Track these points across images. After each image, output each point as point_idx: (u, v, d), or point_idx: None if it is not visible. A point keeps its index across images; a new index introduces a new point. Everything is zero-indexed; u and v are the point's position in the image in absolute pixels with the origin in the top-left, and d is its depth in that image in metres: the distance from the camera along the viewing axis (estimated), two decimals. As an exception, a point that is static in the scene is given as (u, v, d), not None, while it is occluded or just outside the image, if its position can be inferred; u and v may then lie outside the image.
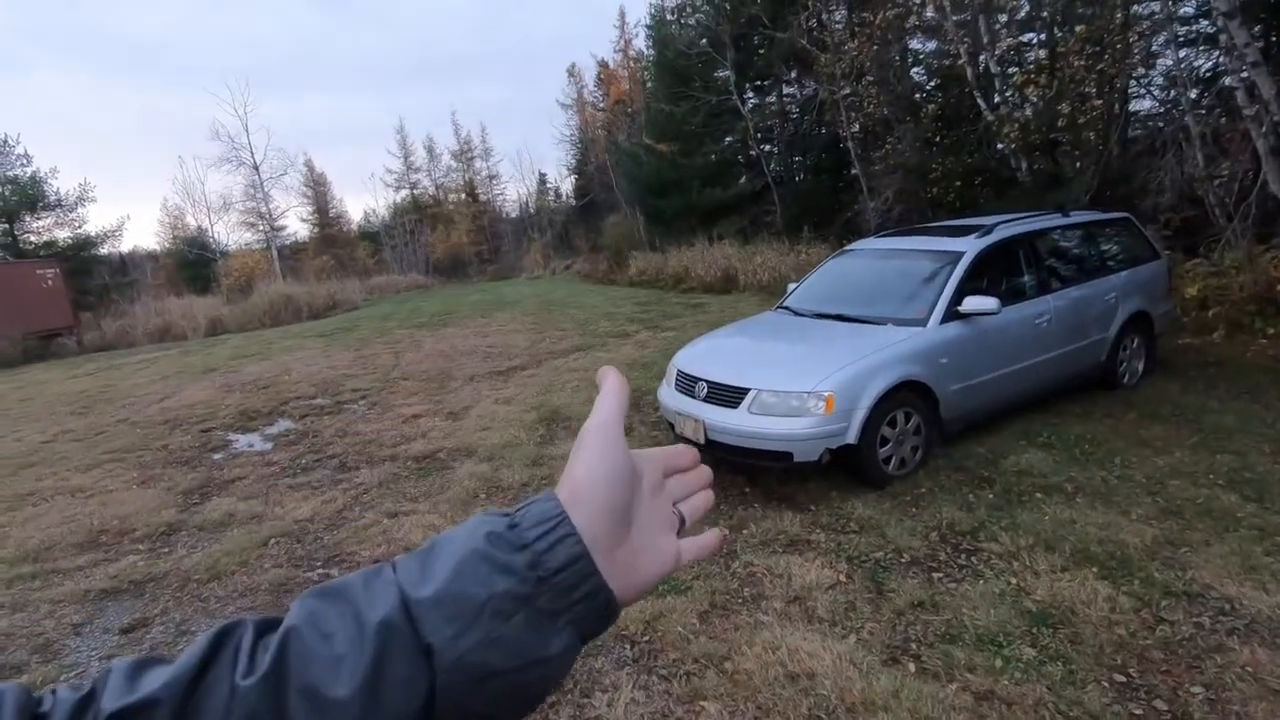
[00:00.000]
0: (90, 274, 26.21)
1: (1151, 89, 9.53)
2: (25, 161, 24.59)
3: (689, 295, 15.15)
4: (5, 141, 24.13)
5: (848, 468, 4.21)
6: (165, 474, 6.15)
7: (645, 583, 0.47)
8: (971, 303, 4.43)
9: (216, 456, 6.64)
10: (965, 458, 4.45)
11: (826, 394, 3.97)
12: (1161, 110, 9.45)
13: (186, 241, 38.75)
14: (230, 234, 39.77)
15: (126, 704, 0.37)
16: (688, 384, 4.59)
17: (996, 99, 10.21)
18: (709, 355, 4.85)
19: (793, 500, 4.16)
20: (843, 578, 3.24)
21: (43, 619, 3.65)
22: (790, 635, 2.79)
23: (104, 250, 27.80)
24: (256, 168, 33.32)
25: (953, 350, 4.40)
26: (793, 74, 18.68)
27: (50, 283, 20.44)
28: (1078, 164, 8.42)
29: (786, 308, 5.41)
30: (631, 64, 35.21)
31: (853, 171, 15.20)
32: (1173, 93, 8.94)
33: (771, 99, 19.74)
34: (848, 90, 13.85)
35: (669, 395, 4.75)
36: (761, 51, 18.25)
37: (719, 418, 4.22)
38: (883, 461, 4.18)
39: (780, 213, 17.64)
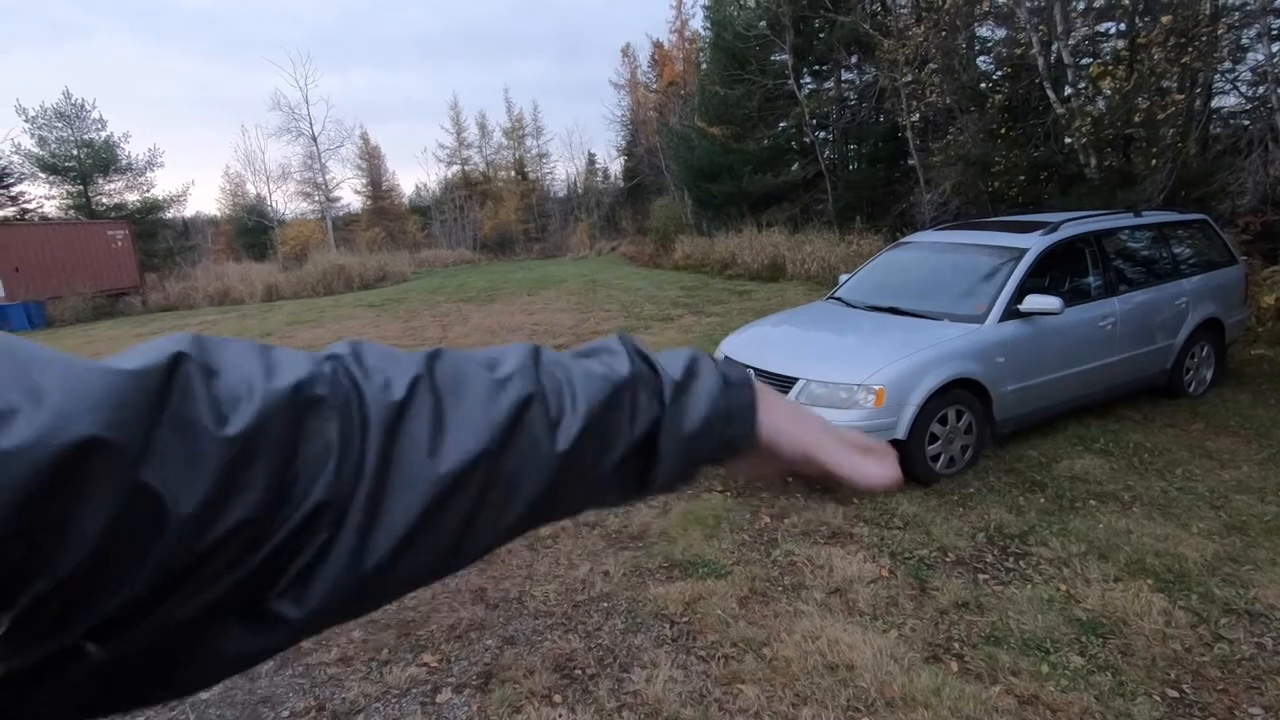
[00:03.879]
0: (156, 236, 27.20)
1: (1238, 85, 9.03)
2: (100, 126, 25.62)
3: (735, 282, 15.02)
4: (82, 106, 25.15)
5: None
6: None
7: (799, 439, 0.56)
8: (1033, 301, 4.30)
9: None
10: (1017, 460, 4.35)
11: (877, 387, 3.91)
12: (1248, 108, 8.96)
13: (246, 209, 39.97)
14: (287, 203, 40.86)
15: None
16: (735, 370, 4.57)
17: (1068, 91, 9.80)
18: (757, 343, 4.82)
19: (836, 493, 4.13)
20: (885, 573, 3.22)
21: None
22: (830, 626, 2.78)
23: (170, 214, 28.82)
24: (314, 139, 34.15)
25: (1010, 349, 4.28)
26: (853, 59, 18.20)
27: (120, 243, 21.34)
28: (1153, 162, 8.03)
29: (838, 298, 5.33)
30: (687, 45, 34.81)
31: (910, 162, 14.80)
32: (1261, 89, 8.46)
33: (829, 85, 19.31)
34: (909, 78, 13.45)
35: (715, 381, 4.74)
36: (822, 35, 17.83)
37: (765, 406, 4.20)
38: (931, 459, 4.11)
39: (832, 202, 17.31)
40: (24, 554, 0.26)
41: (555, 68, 70.08)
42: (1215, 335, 5.32)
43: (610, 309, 12.16)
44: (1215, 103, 9.65)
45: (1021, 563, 3.24)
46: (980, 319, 4.33)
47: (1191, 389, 5.28)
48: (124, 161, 26.01)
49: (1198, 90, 8.61)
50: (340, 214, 41.35)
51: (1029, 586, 3.04)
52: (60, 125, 24.77)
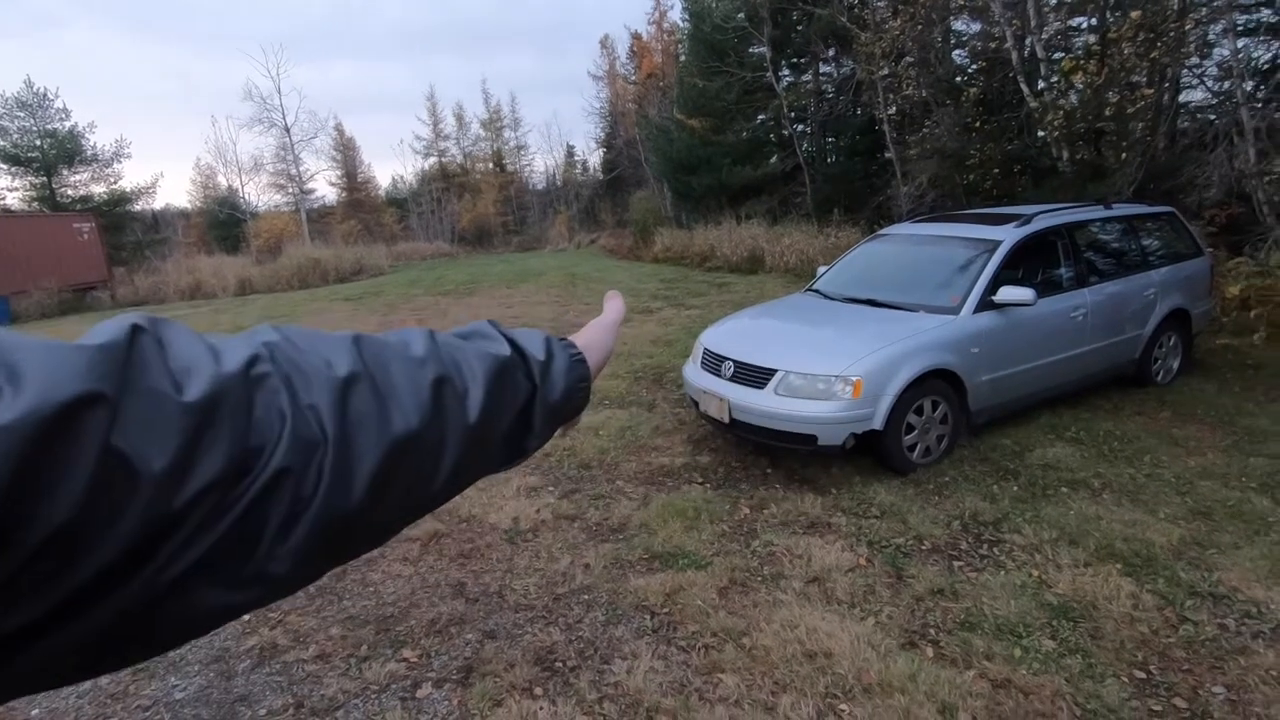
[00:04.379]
0: (124, 229, 26.64)
1: (1205, 79, 9.20)
2: (64, 116, 24.99)
3: (714, 274, 15.06)
4: (45, 95, 24.49)
5: (872, 453, 4.21)
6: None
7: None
8: (1007, 293, 4.36)
9: (246, 413, 6.78)
10: (991, 449, 4.42)
11: (855, 378, 3.95)
12: (1214, 102, 9.14)
13: (217, 201, 39.20)
14: (260, 195, 40.10)
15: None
16: (714, 363, 4.59)
17: (1041, 85, 9.93)
18: (736, 335, 4.84)
19: (814, 483, 4.17)
20: (862, 561, 3.26)
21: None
22: (809, 615, 2.82)
23: (138, 206, 28.19)
24: (287, 130, 33.52)
25: (985, 340, 4.35)
26: (831, 52, 18.29)
27: (86, 236, 20.82)
28: (1123, 155, 8.17)
29: (816, 290, 5.37)
30: (665, 37, 34.73)
31: (887, 155, 14.92)
32: (1227, 84, 8.62)
33: (807, 78, 19.38)
34: (886, 71, 13.54)
35: (694, 373, 4.76)
36: (800, 28, 17.89)
37: (744, 398, 4.23)
38: (907, 449, 4.17)
39: (810, 194, 17.40)
40: (12, 517, 0.28)
41: (534, 60, 69.44)
42: (1182, 325, 5.44)
43: (590, 302, 12.12)
44: (1183, 97, 9.83)
45: (995, 549, 3.30)
46: (955, 311, 4.39)
47: (1159, 378, 5.40)
48: (89, 152, 25.43)
49: (1166, 85, 8.78)
50: (315, 206, 40.72)
51: (1002, 573, 3.10)
52: (22, 115, 24.14)
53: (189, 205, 42.74)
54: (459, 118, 44.30)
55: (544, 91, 71.04)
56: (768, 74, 17.74)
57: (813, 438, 4.00)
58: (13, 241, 18.50)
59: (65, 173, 25.07)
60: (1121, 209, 5.42)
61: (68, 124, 24.95)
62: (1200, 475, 3.90)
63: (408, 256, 30.27)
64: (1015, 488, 3.89)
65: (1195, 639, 2.61)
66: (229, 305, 16.84)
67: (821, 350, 4.30)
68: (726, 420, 4.34)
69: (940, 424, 4.26)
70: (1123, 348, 5.11)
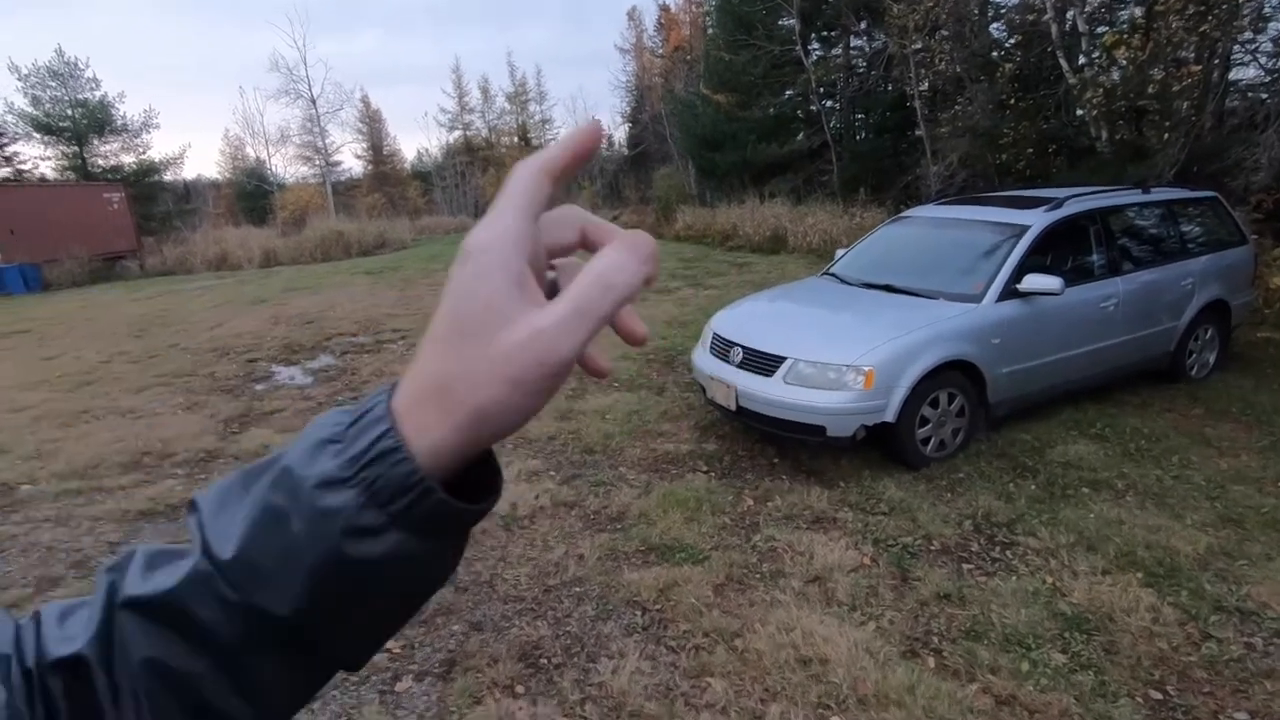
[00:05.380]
0: (154, 199, 26.94)
1: (1259, 55, 8.69)
2: (94, 85, 25.19)
3: (736, 253, 14.81)
4: (75, 65, 24.70)
5: (883, 446, 4.05)
6: (209, 401, 6.33)
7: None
8: (1033, 281, 4.14)
9: (259, 387, 6.80)
10: (1009, 444, 4.23)
11: (867, 369, 3.78)
12: (1267, 80, 8.64)
13: (246, 173, 39.59)
14: (287, 167, 40.42)
15: (139, 595, 0.35)
16: (723, 348, 4.45)
17: (1081, 60, 9.47)
18: (747, 319, 4.68)
19: (822, 475, 4.03)
20: (867, 561, 3.13)
21: (83, 535, 3.80)
22: (806, 617, 2.70)
23: (167, 177, 28.48)
24: (313, 101, 33.62)
25: (1007, 331, 4.14)
26: (862, 25, 17.71)
27: (116, 206, 21.12)
28: (1165, 135, 7.76)
29: (833, 274, 5.18)
30: (693, 9, 33.96)
31: (917, 133, 14.45)
32: (1282, 61, 8.15)
33: (837, 52, 18.83)
34: (919, 45, 13.06)
35: (703, 358, 4.62)
36: (830, 0, 17.33)
37: (752, 385, 4.09)
38: (921, 442, 4.00)
39: (837, 173, 16.98)
40: None
41: (561, 33, 68.62)
42: (1220, 318, 5.16)
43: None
44: (1233, 75, 9.32)
45: (1008, 553, 3.15)
46: (977, 299, 4.19)
47: (1193, 372, 5.14)
48: (119, 122, 25.64)
49: (1215, 61, 8.30)
50: (341, 179, 40.95)
51: (1014, 578, 2.95)
52: (54, 84, 24.37)
53: (219, 176, 43.26)
54: (484, 90, 44.08)
55: (570, 65, 70.32)
56: (796, 48, 17.23)
57: (821, 429, 3.85)
58: (45, 210, 18.80)
59: (96, 142, 25.33)
60: (1160, 193, 5.12)
61: (98, 94, 25.18)
62: (1233, 479, 3.69)
63: (430, 230, 30.31)
64: (1033, 487, 3.71)
65: (1219, 658, 2.45)
66: (253, 277, 16.98)
67: (833, 338, 4.13)
68: (733, 408, 4.21)
69: (956, 417, 4.09)
70: (1156, 340, 4.86)
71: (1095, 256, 4.63)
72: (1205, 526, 3.24)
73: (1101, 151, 9.35)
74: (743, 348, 4.28)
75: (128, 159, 26.09)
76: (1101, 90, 8.29)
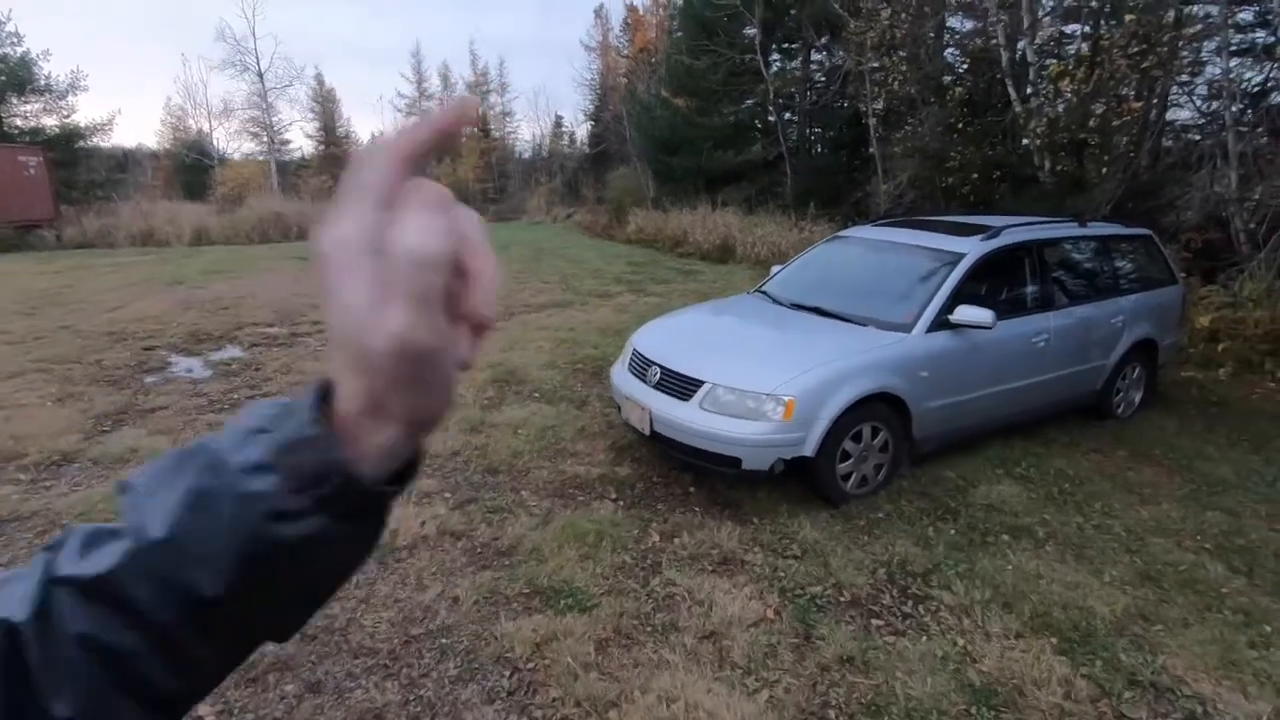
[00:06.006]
0: (77, 166, 25.27)
1: (1194, 98, 8.88)
2: (15, 41, 23.44)
3: (685, 260, 14.60)
4: (-4, 17, 22.99)
5: (803, 479, 3.81)
6: (87, 392, 5.74)
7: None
8: (964, 313, 3.97)
9: (149, 379, 6.22)
10: (933, 482, 4.05)
11: (787, 398, 3.53)
12: (1201, 122, 8.82)
13: (186, 145, 37.69)
14: (231, 142, 38.64)
15: (76, 574, 0.37)
16: (640, 366, 4.15)
17: (1029, 90, 9.54)
18: (668, 337, 4.40)
19: (737, 509, 3.77)
20: (770, 614, 2.86)
21: (-119, 552, 3.27)
22: (694, 684, 2.41)
23: (95, 143, 26.78)
24: (261, 75, 32.21)
25: (936, 363, 3.95)
26: (823, 40, 17.73)
27: (32, 171, 19.67)
28: (1104, 170, 7.82)
29: (764, 292, 4.94)
30: (661, 11, 33.82)
31: (870, 150, 14.50)
32: (1216, 104, 8.31)
33: (796, 65, 18.83)
34: (876, 64, 13.07)
35: (621, 375, 4.32)
36: (793, 12, 17.29)
37: (667, 409, 3.80)
38: (841, 478, 3.77)
39: (790, 185, 16.95)
40: None
41: (527, 25, 67.67)
42: (1148, 357, 5.12)
43: (550, 280, 11.63)
44: (1170, 115, 9.52)
45: (920, 608, 2.92)
46: (907, 328, 3.98)
47: (1119, 411, 5.08)
48: (42, 82, 23.96)
49: (1154, 100, 8.43)
50: (291, 158, 39.39)
51: (924, 639, 2.72)
52: (-31, 37, 22.63)
53: (157, 147, 41.13)
54: (444, 77, 43.13)
55: (533, 58, 69.34)
56: (756, 57, 17.14)
57: (737, 461, 3.58)
58: (-50, 172, 17.39)
59: (15, 102, 23.62)
60: (1096, 228, 5.04)
61: (19, 50, 23.48)
62: (1152, 529, 3.56)
63: (379, 217, 29.32)
64: (953, 531, 3.52)
65: (1130, 742, 2.25)
66: (177, 255, 16.02)
67: (755, 363, 3.87)
68: (647, 431, 3.91)
69: (880, 452, 3.88)
70: (1085, 377, 4.76)
71: (1029, 289, 4.50)
72: (1124, 584, 3.08)
73: (1044, 182, 9.43)
74: (661, 368, 3.99)
75: (49, 122, 24.42)
76: (1045, 120, 8.32)
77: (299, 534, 0.35)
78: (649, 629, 2.74)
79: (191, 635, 0.36)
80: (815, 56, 18.62)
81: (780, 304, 4.66)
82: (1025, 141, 9.42)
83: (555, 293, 10.53)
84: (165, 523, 0.36)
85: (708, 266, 13.62)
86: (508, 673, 2.48)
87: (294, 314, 8.85)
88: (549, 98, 74.91)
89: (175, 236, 19.60)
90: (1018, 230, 4.54)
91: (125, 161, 40.63)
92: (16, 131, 23.40)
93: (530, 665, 2.52)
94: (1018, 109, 9.56)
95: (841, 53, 16.18)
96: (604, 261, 14.03)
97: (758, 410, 3.57)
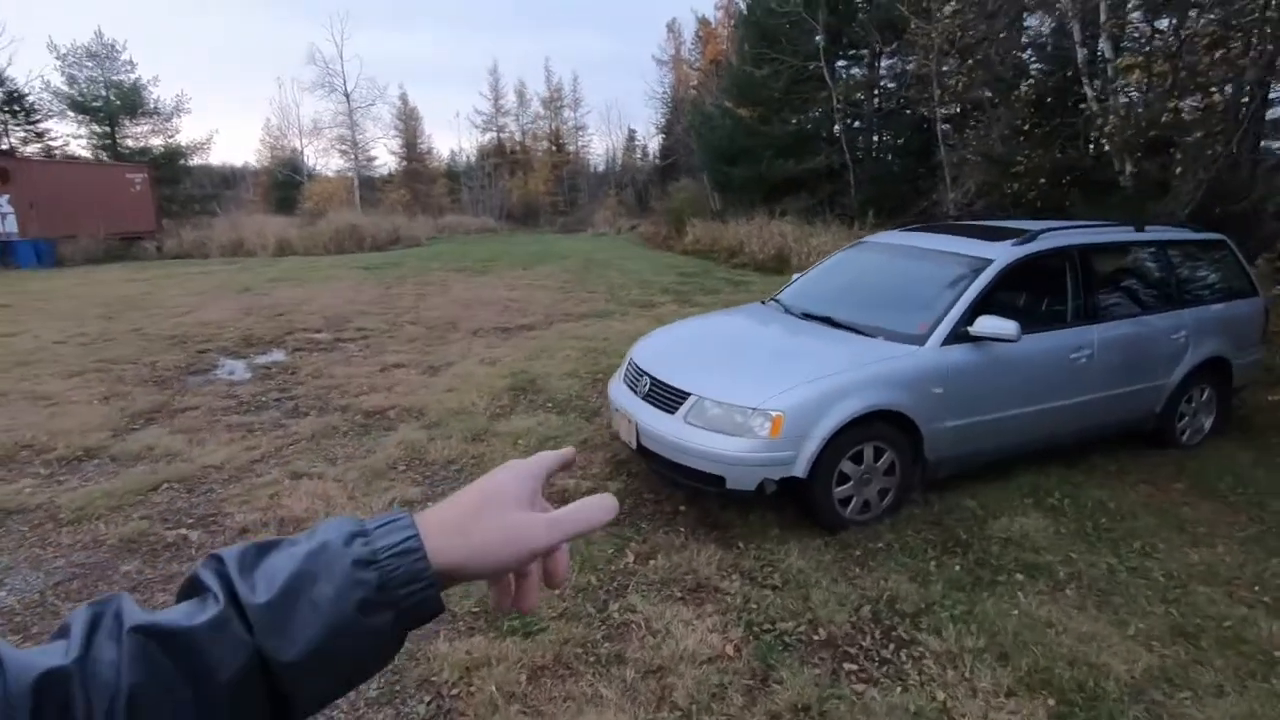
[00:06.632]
0: (180, 182, 27.27)
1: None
2: (130, 68, 25.63)
3: (738, 271, 14.29)
4: (113, 46, 25.16)
5: (801, 501, 3.52)
6: (132, 392, 6.02)
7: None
8: (985, 324, 3.59)
9: (193, 380, 6.49)
10: (948, 511, 3.66)
11: (774, 413, 3.26)
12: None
13: (281, 163, 40.15)
14: (320, 159, 40.92)
15: (157, 623, 0.42)
16: (634, 377, 3.96)
17: (1105, 86, 8.81)
18: (664, 347, 4.19)
19: (725, 531, 3.52)
20: (730, 650, 2.60)
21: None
22: (620, 724, 2.19)
23: (195, 161, 28.86)
24: (347, 95, 33.94)
25: (952, 379, 3.59)
26: (892, 46, 17.09)
27: (138, 188, 21.35)
28: (1183, 170, 7.07)
29: (778, 301, 4.66)
30: (731, 22, 33.71)
31: (938, 157, 13.81)
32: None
33: (862, 71, 18.24)
34: (946, 66, 12.44)
35: (616, 386, 4.14)
36: (861, 16, 16.77)
37: (653, 422, 3.59)
38: (840, 502, 3.46)
39: (855, 194, 16.39)
40: None
41: (601, 42, 68.79)
42: (1220, 377, 4.53)
43: (596, 289, 11.58)
44: (1272, 113, 8.57)
45: (902, 653, 2.60)
46: (920, 340, 3.64)
47: (1184, 438, 4.51)
48: (151, 105, 26.03)
49: (1248, 93, 7.59)
50: (377, 174, 41.27)
51: (898, 689, 2.40)
52: (90, 65, 24.84)
53: (258, 165, 44.03)
54: (520, 94, 44.23)
55: (607, 74, 70.35)
56: (820, 64, 16.69)
57: (720, 479, 3.34)
58: (67, 187, 19.00)
59: (127, 124, 25.73)
60: (1156, 233, 4.51)
61: (133, 76, 25.61)
62: (1200, 576, 3.08)
63: (452, 229, 30.27)
64: (958, 567, 3.14)
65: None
66: (258, 265, 16.90)
67: (747, 375, 3.61)
68: (634, 445, 3.72)
69: (885, 475, 3.54)
70: (1139, 399, 4.25)
71: (1069, 299, 4.05)
72: (1151, 639, 2.65)
73: (1125, 186, 8.67)
74: (651, 378, 3.79)
75: (156, 142, 26.47)
76: (1120, 117, 7.63)
77: (373, 626, 0.44)
78: (592, 659, 2.54)
79: (245, 694, 0.42)
80: (887, 62, 17.98)
81: (791, 313, 4.37)
82: (1102, 142, 8.69)
83: (598, 302, 10.47)
84: (270, 591, 0.43)
85: (760, 277, 13.26)
86: (428, 698, 2.33)
87: (341, 320, 9.10)
88: (620, 112, 75.79)
89: (261, 247, 20.73)
90: (1058, 234, 4.09)
91: (232, 178, 43.76)
92: (127, 150, 25.46)
93: (454, 692, 2.36)
94: (1094, 107, 8.85)
95: (911, 57, 15.55)
96: (654, 272, 13.89)
97: (744, 426, 3.31)
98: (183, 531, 3.51)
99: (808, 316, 4.22)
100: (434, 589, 0.46)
